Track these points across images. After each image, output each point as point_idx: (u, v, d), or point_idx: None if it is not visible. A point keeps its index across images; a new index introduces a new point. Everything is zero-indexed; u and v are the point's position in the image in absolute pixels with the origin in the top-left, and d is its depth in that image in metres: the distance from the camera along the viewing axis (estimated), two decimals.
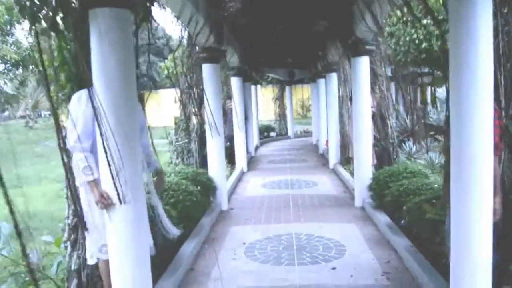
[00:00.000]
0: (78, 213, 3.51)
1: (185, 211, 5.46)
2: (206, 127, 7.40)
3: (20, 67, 23.25)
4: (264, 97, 23.14)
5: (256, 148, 16.63)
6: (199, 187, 6.33)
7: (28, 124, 37.74)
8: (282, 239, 5.77)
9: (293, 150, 16.20)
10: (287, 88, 20.83)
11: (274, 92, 22.42)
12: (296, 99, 27.70)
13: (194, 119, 7.74)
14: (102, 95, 2.91)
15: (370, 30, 6.28)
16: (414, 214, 4.75)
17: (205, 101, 7.22)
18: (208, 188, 6.81)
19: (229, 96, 12.05)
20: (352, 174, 9.61)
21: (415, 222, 4.78)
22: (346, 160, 10.89)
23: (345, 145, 11.25)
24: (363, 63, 7.16)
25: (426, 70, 15.36)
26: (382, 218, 6.14)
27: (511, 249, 3.25)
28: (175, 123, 7.61)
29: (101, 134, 2.68)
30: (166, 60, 8.77)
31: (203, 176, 6.84)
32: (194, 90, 7.37)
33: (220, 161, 7.55)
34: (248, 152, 13.88)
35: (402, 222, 5.21)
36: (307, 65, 15.94)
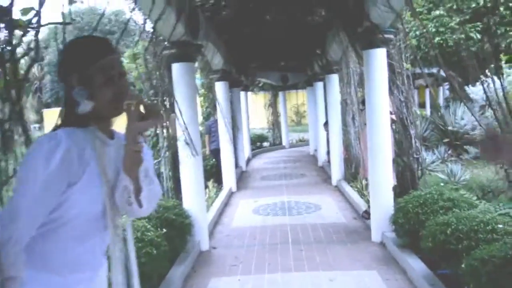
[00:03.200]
0: None
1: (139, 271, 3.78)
2: (180, 143, 5.75)
3: None
4: (255, 104, 21.53)
5: (248, 161, 14.96)
6: (165, 230, 4.65)
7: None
8: None
9: (289, 162, 14.52)
10: (280, 94, 19.18)
11: (265, 98, 20.75)
12: (290, 105, 26.07)
13: (164, 133, 6.09)
14: None
15: (392, 9, 4.66)
16: (484, 278, 3.08)
17: (176, 111, 5.59)
18: (181, 227, 5.13)
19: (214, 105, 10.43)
20: (361, 193, 8.02)
21: None
22: (352, 175, 9.27)
23: (350, 158, 9.62)
24: (379, 56, 5.55)
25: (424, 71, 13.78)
26: (416, 265, 4.49)
27: None
28: None
29: None
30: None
31: (174, 211, 5.15)
32: (162, 96, 5.71)
33: (198, 187, 5.88)
34: (238, 166, 12.23)
35: None
36: (302, 67, 14.31)
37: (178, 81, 5.68)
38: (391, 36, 5.59)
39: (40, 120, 42.58)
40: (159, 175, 6.07)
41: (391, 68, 5.83)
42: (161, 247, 4.23)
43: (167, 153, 6.04)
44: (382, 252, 5.39)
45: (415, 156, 5.99)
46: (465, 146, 11.18)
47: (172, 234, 4.90)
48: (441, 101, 19.18)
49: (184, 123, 5.27)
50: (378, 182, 5.70)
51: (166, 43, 5.61)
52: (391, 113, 5.80)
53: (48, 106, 38.90)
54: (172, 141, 5.96)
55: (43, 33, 42.01)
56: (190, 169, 5.75)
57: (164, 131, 6.04)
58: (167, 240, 4.69)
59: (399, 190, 5.91)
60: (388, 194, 5.66)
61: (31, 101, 38.88)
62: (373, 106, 5.61)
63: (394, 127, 6.04)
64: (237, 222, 7.31)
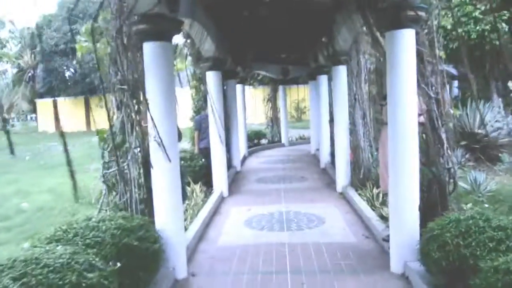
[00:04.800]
0: None
1: None
2: (152, 144, 4.55)
3: None
4: (253, 98, 20.29)
5: (244, 159, 13.78)
6: (119, 264, 3.45)
7: (5, 128, 34.49)
8: None
9: (288, 162, 13.31)
10: (280, 88, 17.92)
11: (264, 92, 19.47)
12: (290, 101, 24.81)
13: (134, 131, 4.88)
14: None
15: None
16: None
17: (146, 103, 4.41)
18: (146, 255, 3.92)
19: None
20: (371, 203, 6.87)
21: None
22: (360, 182, 8.08)
23: (358, 162, 8.43)
24: (407, 39, 4.37)
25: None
26: None
27: None
28: (101, 139, 4.76)
29: None
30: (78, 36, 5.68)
31: (138, 234, 3.93)
32: (130, 85, 4.51)
33: (174, 201, 4.66)
34: (232, 167, 11.07)
35: None
36: (304, 60, 13.13)
37: (150, 64, 4.47)
38: (423, 14, 4.39)
39: (33, 110, 41.24)
40: (126, 183, 4.88)
41: (419, 55, 4.63)
42: None
43: (137, 155, 4.83)
44: None
45: (446, 166, 4.80)
46: (490, 151, 9.97)
47: (134, 265, 3.71)
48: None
49: (152, 120, 4.07)
50: (402, 197, 4.53)
51: (136, 17, 4.41)
52: (419, 113, 4.61)
53: (41, 96, 37.49)
54: (142, 139, 4.77)
55: (36, 20, 40.37)
56: (164, 177, 4.56)
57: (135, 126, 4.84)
58: (127, 275, 3.53)
59: (423, 207, 4.72)
60: (413, 214, 4.50)
61: (24, 91, 37.56)
62: (397, 103, 4.42)
63: (420, 130, 4.83)
64: (225, 238, 6.12)
